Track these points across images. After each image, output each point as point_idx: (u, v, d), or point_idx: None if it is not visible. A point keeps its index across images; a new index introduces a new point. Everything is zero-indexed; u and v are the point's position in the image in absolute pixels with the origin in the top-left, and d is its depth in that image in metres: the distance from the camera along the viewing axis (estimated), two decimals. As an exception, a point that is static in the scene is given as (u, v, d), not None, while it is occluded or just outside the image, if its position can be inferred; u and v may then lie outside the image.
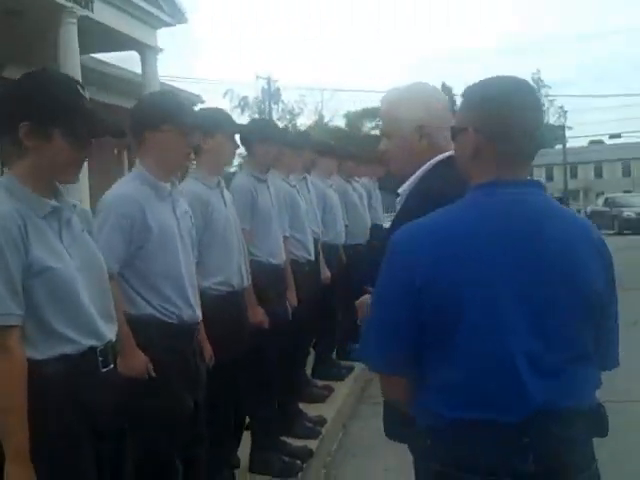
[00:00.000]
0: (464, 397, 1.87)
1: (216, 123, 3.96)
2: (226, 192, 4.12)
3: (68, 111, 2.26)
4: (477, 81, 2.09)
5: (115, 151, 17.57)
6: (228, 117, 4.16)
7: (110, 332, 2.39)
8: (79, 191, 9.92)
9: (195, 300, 3.26)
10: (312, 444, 5.21)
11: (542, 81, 67.87)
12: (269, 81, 45.99)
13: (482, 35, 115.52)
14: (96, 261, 2.42)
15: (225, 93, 57.41)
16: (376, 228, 8.91)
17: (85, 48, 12.56)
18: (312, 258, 5.73)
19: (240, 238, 4.12)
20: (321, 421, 5.66)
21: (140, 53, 14.88)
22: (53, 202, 2.31)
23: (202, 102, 20.74)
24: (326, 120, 53.03)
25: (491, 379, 1.85)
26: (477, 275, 1.87)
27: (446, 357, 1.89)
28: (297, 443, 5.08)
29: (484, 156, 1.97)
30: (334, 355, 7.42)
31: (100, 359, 2.32)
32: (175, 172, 3.39)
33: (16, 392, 2.13)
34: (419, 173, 2.60)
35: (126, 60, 17.00)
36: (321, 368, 6.85)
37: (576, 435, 1.90)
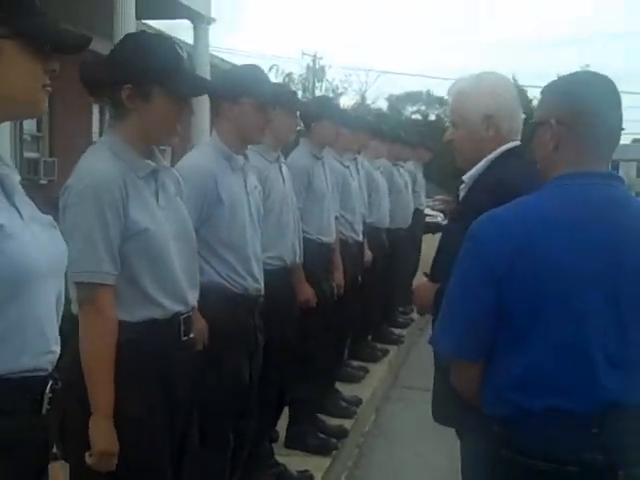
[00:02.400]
0: (539, 386, 1.91)
1: (277, 98, 3.98)
2: (284, 167, 4.14)
3: (168, 72, 2.30)
4: (558, 77, 2.14)
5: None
6: (291, 93, 4.17)
7: (194, 298, 2.44)
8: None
9: (260, 274, 3.28)
10: (347, 423, 5.26)
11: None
12: (314, 58, 45.77)
13: (536, 26, 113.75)
14: (187, 225, 2.47)
15: (270, 68, 57.19)
16: (417, 213, 8.91)
17: (140, 14, 12.55)
18: (360, 239, 5.75)
19: (295, 215, 4.14)
20: (357, 401, 5.70)
21: (193, 22, 14.87)
22: (152, 163, 2.36)
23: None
24: (369, 102, 52.72)
25: (567, 369, 1.89)
26: (558, 266, 1.89)
27: (523, 346, 1.92)
28: (332, 422, 5.13)
29: (566, 148, 1.99)
30: (369, 337, 7.45)
31: (183, 327, 2.37)
32: (250, 144, 3.41)
33: (105, 351, 2.19)
34: (484, 162, 2.63)
35: (174, 29, 17.00)
36: (357, 349, 6.88)
37: None
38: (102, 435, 2.17)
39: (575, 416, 1.88)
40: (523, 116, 2.75)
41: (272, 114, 3.42)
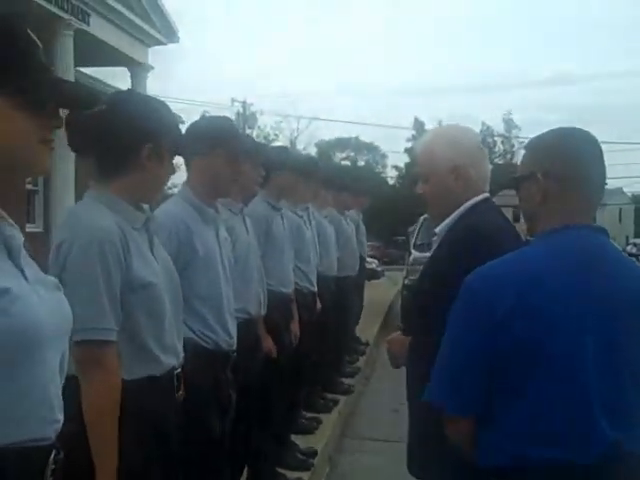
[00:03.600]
0: (537, 437, 1.91)
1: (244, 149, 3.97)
2: (247, 219, 4.12)
3: (175, 133, 2.40)
4: (542, 132, 2.18)
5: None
6: (259, 145, 4.18)
7: (182, 350, 2.41)
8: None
9: (233, 327, 3.25)
10: (305, 476, 5.18)
11: (513, 121, 68.74)
12: (244, 105, 46.12)
13: (456, 72, 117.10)
14: (175, 276, 2.46)
15: (202, 115, 57.37)
16: (361, 260, 8.95)
17: (78, 62, 12.49)
18: (315, 289, 5.74)
19: (259, 266, 4.12)
20: (312, 453, 5.63)
21: (131, 70, 14.87)
22: (144, 214, 2.36)
23: (182, 122, 20.74)
24: (300, 147, 53.26)
25: (565, 420, 1.90)
26: (552, 315, 1.91)
27: (520, 396, 1.93)
28: (291, 475, 5.05)
29: (553, 200, 2.04)
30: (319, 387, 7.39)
31: (176, 384, 2.34)
32: (221, 197, 3.39)
33: (112, 410, 2.13)
34: (456, 214, 2.67)
35: (110, 76, 16.96)
36: (309, 399, 6.80)
37: None
38: None
39: (575, 467, 1.87)
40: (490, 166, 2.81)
41: (243, 166, 3.41)
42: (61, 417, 1.58)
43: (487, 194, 2.71)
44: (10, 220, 1.60)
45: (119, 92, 2.51)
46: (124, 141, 2.31)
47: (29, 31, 1.56)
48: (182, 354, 2.40)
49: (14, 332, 1.43)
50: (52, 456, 1.53)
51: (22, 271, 1.53)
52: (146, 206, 2.46)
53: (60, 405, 1.58)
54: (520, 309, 1.90)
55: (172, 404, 2.32)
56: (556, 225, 2.02)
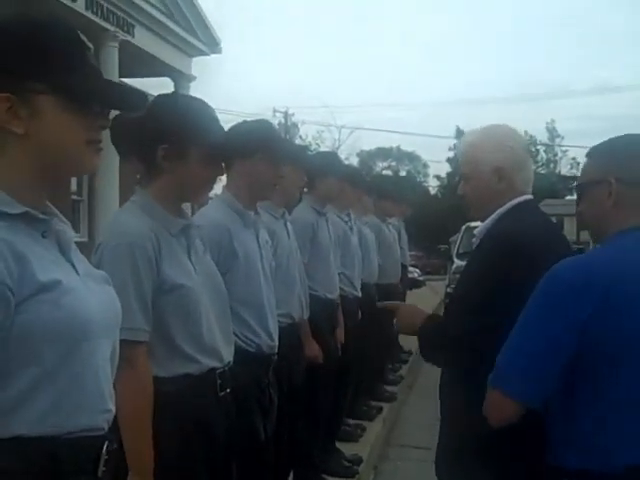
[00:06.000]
0: (619, 441, 1.91)
1: (288, 155, 3.97)
2: (289, 224, 4.12)
3: (203, 133, 2.31)
4: (606, 139, 2.23)
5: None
6: (301, 149, 4.18)
7: (229, 355, 2.42)
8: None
9: (275, 331, 3.24)
10: (350, 483, 5.16)
11: (556, 131, 68.11)
12: (286, 115, 46.34)
13: (497, 82, 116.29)
14: (219, 282, 2.46)
15: (243, 123, 57.61)
16: (403, 268, 8.90)
17: (122, 72, 12.67)
18: (359, 295, 5.72)
19: (301, 270, 4.12)
20: (357, 460, 5.60)
21: (174, 80, 15.03)
22: (183, 220, 2.35)
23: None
24: (342, 157, 53.47)
25: None
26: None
27: (601, 397, 1.93)
28: (336, 481, 5.03)
29: (626, 204, 2.08)
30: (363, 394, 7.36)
31: (219, 382, 2.34)
32: (261, 200, 3.40)
33: (144, 410, 2.15)
34: (495, 215, 2.61)
35: (155, 87, 17.15)
36: (353, 406, 6.78)
37: None
38: None
39: None
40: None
41: (283, 170, 3.41)
42: (113, 407, 1.59)
43: (530, 196, 2.64)
44: (61, 216, 1.62)
45: (160, 95, 2.50)
46: (141, 144, 2.32)
47: (80, 33, 1.58)
48: (229, 358, 2.41)
49: (65, 323, 1.45)
50: (105, 447, 1.54)
51: (73, 265, 1.56)
52: (188, 211, 2.47)
53: (112, 395, 1.59)
54: (608, 305, 1.92)
55: (214, 402, 2.33)
56: (625, 228, 2.06)
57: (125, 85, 1.70)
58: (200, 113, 2.36)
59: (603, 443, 1.91)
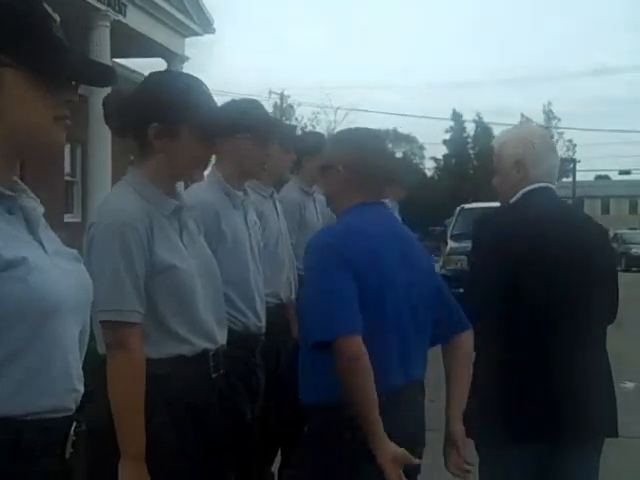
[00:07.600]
0: None
1: (276, 134, 3.94)
2: (278, 203, 4.10)
3: (196, 110, 2.26)
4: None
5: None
6: (290, 128, 4.15)
7: (223, 337, 2.40)
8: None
9: (262, 310, 3.23)
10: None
11: (552, 113, 67.90)
12: (282, 96, 46.13)
13: (495, 64, 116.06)
14: (212, 264, 2.43)
15: (235, 102, 57.30)
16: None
17: (114, 53, 12.59)
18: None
19: (289, 250, 4.10)
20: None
21: (167, 61, 14.94)
22: (176, 202, 2.32)
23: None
24: (337, 139, 53.19)
25: None
26: None
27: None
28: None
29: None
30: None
31: (212, 364, 2.32)
32: (249, 179, 3.37)
33: (136, 393, 2.12)
34: (512, 200, 3.00)
35: (147, 68, 17.06)
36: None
37: None
38: (134, 478, 2.10)
39: None
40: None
41: (271, 149, 3.38)
42: (81, 388, 1.56)
43: (543, 184, 2.95)
44: (30, 193, 1.59)
45: (151, 73, 2.46)
46: (133, 123, 2.29)
47: (46, 5, 1.53)
48: (222, 341, 2.40)
49: (31, 301, 1.42)
50: (73, 427, 1.52)
51: (40, 242, 1.53)
52: (182, 192, 2.45)
53: (79, 376, 1.56)
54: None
55: (207, 384, 2.32)
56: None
57: (92, 59, 1.66)
58: (190, 90, 2.31)
59: None
